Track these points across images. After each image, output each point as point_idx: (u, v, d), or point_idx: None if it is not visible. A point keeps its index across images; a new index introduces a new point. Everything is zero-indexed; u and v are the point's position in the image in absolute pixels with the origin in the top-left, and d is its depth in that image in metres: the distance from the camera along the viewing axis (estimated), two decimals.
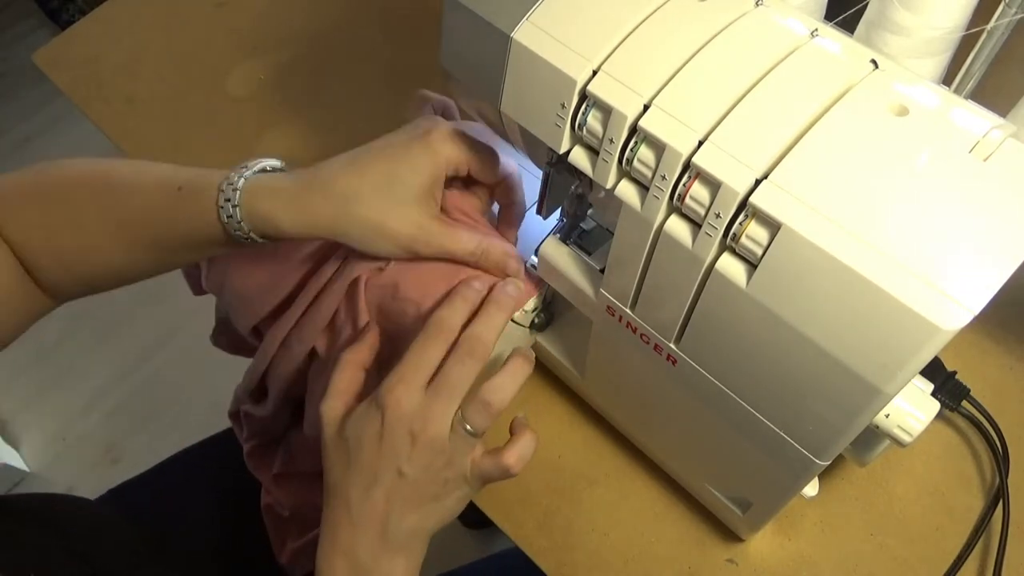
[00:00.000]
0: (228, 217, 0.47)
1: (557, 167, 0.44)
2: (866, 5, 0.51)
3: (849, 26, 0.52)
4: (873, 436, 0.45)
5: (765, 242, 0.33)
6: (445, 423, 0.43)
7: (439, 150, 0.47)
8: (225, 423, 0.83)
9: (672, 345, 0.42)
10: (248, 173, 0.47)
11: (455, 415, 0.43)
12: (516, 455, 0.45)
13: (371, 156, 0.48)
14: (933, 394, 0.46)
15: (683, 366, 0.42)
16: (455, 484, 0.45)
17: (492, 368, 0.55)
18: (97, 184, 0.50)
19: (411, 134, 0.48)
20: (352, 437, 0.44)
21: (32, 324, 0.53)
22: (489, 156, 0.50)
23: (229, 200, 0.46)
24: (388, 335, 0.51)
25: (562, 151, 0.40)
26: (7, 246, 0.50)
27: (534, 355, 0.48)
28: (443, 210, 0.51)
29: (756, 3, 0.38)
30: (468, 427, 0.43)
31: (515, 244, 0.54)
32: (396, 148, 0.48)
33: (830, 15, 0.54)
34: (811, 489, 0.51)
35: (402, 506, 0.44)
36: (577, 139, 0.40)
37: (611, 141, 0.37)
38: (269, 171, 0.49)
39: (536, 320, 0.55)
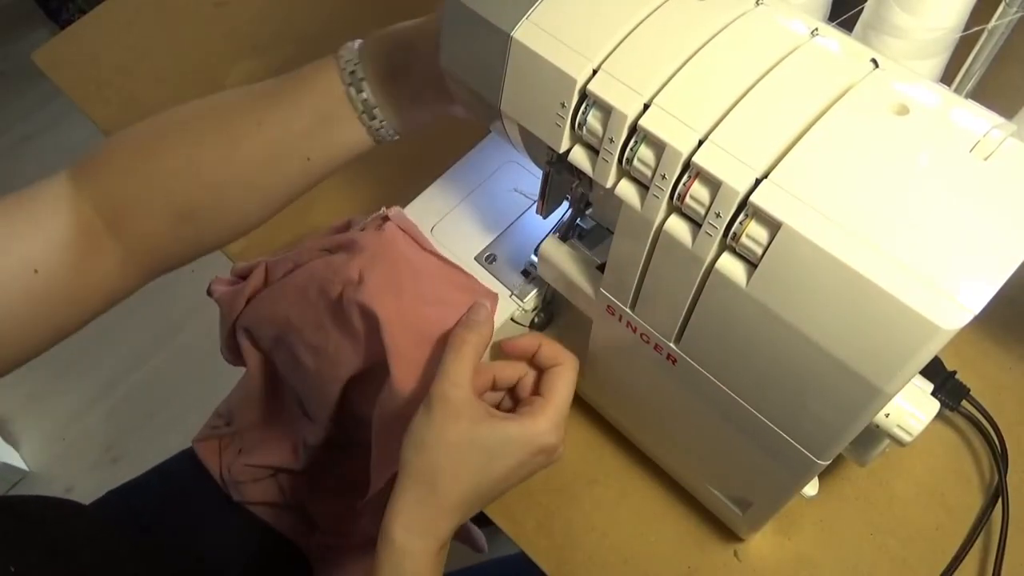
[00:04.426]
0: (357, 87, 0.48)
1: (557, 166, 0.44)
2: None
3: (850, 27, 0.52)
4: (873, 436, 0.45)
5: (765, 241, 0.33)
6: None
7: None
8: None
9: (672, 345, 0.42)
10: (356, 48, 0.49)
11: None
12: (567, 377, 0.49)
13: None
14: (933, 394, 0.46)
15: (683, 366, 0.42)
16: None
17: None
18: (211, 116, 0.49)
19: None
20: (497, 454, 0.46)
21: (103, 310, 0.51)
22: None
23: (353, 72, 0.48)
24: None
25: (562, 150, 0.40)
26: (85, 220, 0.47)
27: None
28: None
29: (756, 2, 0.38)
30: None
31: None
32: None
33: (833, 16, 0.54)
34: (811, 489, 0.51)
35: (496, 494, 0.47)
36: (577, 138, 0.40)
37: (611, 140, 0.37)
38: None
39: (536, 320, 0.55)
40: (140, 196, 0.49)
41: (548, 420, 0.47)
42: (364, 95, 0.49)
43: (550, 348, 0.50)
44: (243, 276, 0.61)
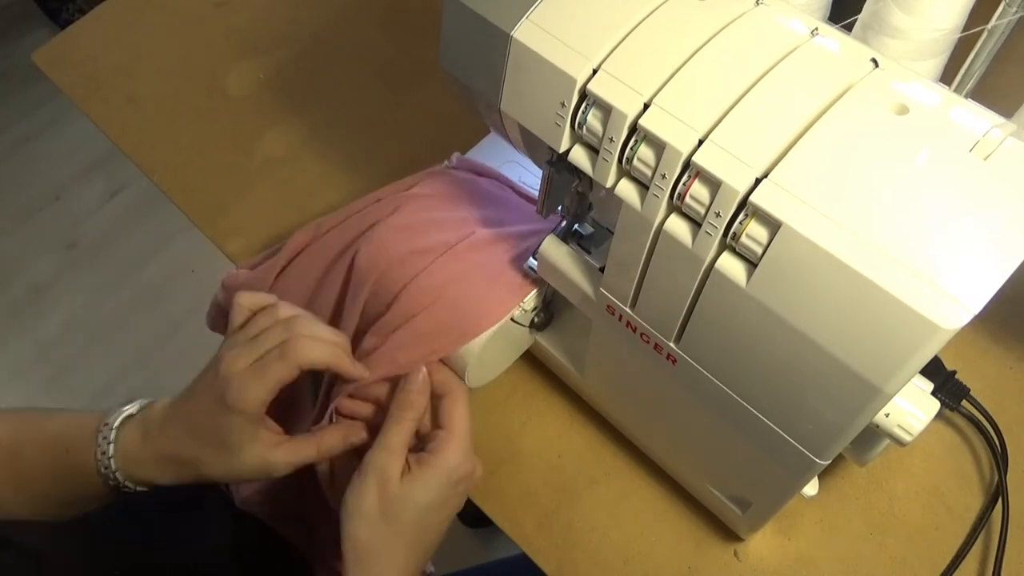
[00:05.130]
0: (113, 481, 0.51)
1: (557, 166, 0.44)
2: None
3: (850, 28, 0.52)
4: (873, 435, 0.45)
5: (765, 241, 0.33)
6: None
7: (244, 408, 0.49)
8: None
9: (672, 344, 0.42)
10: (113, 434, 0.51)
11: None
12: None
13: (202, 420, 0.51)
14: (933, 393, 0.46)
15: (683, 365, 0.42)
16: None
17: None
18: (4, 445, 0.54)
19: (218, 394, 0.50)
20: (425, 502, 0.48)
21: None
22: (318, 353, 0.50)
23: (108, 468, 0.51)
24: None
25: (562, 150, 0.40)
26: None
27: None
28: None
29: (756, 2, 0.38)
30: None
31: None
32: (216, 415, 0.50)
33: (832, 17, 0.54)
34: (811, 489, 0.51)
35: None
36: (577, 138, 0.40)
37: (611, 140, 0.37)
38: (134, 413, 0.53)
39: (536, 320, 0.55)
40: None
41: (457, 451, 0.49)
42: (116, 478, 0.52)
43: (438, 375, 0.52)
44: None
